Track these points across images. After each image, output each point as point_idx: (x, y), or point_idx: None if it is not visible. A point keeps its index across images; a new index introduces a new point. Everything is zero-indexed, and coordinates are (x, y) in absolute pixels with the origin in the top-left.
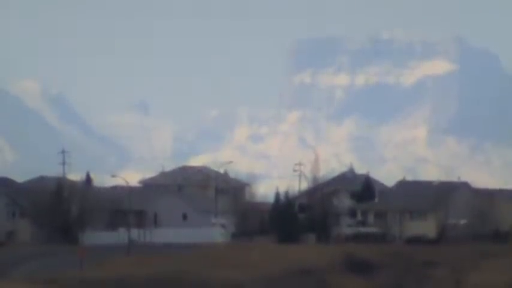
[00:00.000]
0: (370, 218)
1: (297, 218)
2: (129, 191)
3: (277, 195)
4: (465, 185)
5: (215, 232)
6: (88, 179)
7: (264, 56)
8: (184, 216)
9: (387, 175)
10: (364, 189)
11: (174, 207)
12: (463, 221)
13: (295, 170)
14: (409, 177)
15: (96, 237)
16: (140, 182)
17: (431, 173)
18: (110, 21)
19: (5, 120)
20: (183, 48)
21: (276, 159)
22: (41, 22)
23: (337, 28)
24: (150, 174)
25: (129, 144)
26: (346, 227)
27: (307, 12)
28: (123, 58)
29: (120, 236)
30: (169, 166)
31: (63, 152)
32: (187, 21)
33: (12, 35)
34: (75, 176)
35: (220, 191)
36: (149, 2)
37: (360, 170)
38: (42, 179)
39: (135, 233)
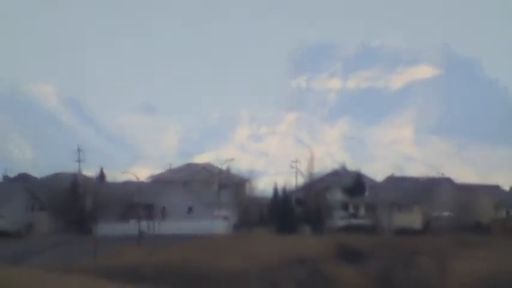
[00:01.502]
0: (361, 211)
1: (294, 211)
2: (139, 186)
3: (276, 190)
4: (448, 181)
5: (218, 224)
6: (101, 175)
7: (263, 62)
8: (190, 209)
9: (377, 171)
10: (355, 184)
11: (180, 201)
12: (446, 214)
13: (292, 167)
14: (397, 174)
15: (108, 228)
16: (149, 177)
17: (417, 170)
18: (118, 28)
19: (24, 121)
20: (189, 54)
21: (274, 157)
22: (56, 30)
23: (331, 37)
24: (158, 170)
25: (139, 143)
26: (338, 219)
27: (303, 22)
28: (132, 62)
29: (130, 227)
30: (176, 163)
31: (78, 150)
32: (193, 29)
33: (30, 42)
34: (90, 172)
35: (222, 186)
36: (155, 9)
37: (352, 167)
38: (59, 175)
39: (144, 224)
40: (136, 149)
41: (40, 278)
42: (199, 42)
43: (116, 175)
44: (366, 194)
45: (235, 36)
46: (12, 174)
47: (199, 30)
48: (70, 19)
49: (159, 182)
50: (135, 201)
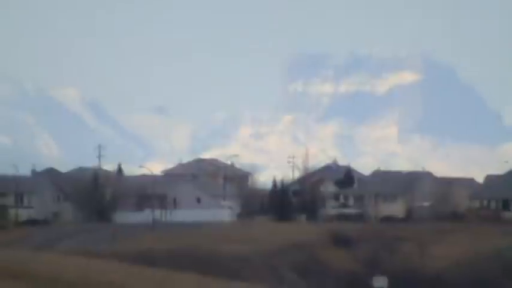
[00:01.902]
0: (351, 201)
1: (291, 201)
2: (153, 179)
3: (274, 182)
4: (428, 174)
5: (223, 213)
6: (119, 169)
7: (264, 68)
8: (198, 200)
9: (364, 166)
10: (345, 177)
11: (190, 192)
12: (426, 204)
13: (289, 162)
14: (383, 168)
15: (125, 217)
16: (162, 171)
17: (400, 165)
18: (135, 39)
19: (51, 121)
20: (198, 61)
21: (274, 153)
22: (79, 38)
23: (324, 47)
24: (170, 165)
25: (153, 141)
26: (331, 209)
27: (299, 33)
28: (147, 69)
29: (145, 216)
30: (186, 159)
31: (99, 147)
32: (202, 40)
33: (55, 50)
34: (109, 167)
35: (227, 179)
36: (168, 20)
37: (342, 162)
38: (81, 169)
39: (158, 213)
40: (151, 146)
41: (66, 262)
42: (207, 50)
43: (132, 169)
44: (355, 186)
45: (239, 45)
46: (39, 169)
47: (208, 40)
48: (92, 29)
49: (171, 176)
50: (150, 192)
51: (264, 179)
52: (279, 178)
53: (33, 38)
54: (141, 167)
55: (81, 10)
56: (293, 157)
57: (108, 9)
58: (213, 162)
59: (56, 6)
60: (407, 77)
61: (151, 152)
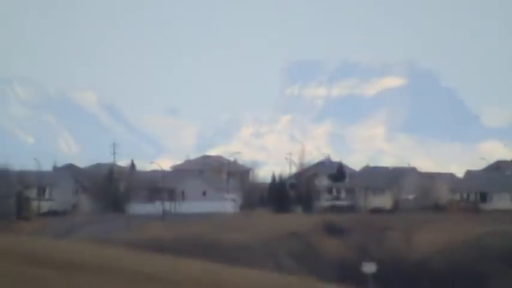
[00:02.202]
0: (343, 194)
1: (288, 194)
2: (163, 173)
3: (273, 177)
4: (413, 170)
5: (227, 205)
6: (132, 165)
7: (264, 74)
8: (204, 193)
9: (355, 162)
10: (337, 172)
11: (197, 186)
12: (411, 196)
13: (286, 159)
14: (372, 164)
15: (138, 208)
16: (171, 167)
17: (387, 161)
18: (147, 46)
19: (70, 122)
20: (203, 66)
21: (272, 151)
22: (95, 43)
23: (318, 54)
24: (178, 161)
25: (163, 139)
26: (324, 201)
27: (296, 43)
28: (158, 73)
29: (156, 207)
30: (193, 155)
31: (113, 145)
32: (207, 49)
33: (75, 56)
34: (123, 162)
35: (231, 174)
36: (178, 30)
37: (335, 158)
38: (98, 165)
39: (167, 205)
40: (161, 144)
41: (82, 249)
42: (213, 58)
43: (144, 165)
44: (346, 180)
45: (242, 53)
46: (60, 164)
47: (214, 48)
48: (109, 36)
49: (179, 171)
50: (160, 186)
51: (264, 174)
52: (277, 173)
53: (55, 46)
54: (151, 162)
55: (98, 20)
56: (290, 154)
57: (122, 19)
58: (217, 159)
59: (75, 17)
60: (394, 81)
61: (161, 149)
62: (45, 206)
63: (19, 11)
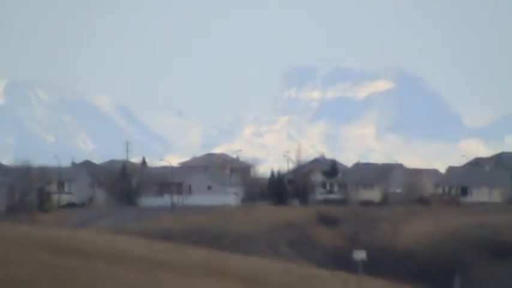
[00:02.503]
0: (336, 189)
1: (286, 188)
2: (171, 170)
3: (272, 173)
4: (400, 166)
5: (230, 198)
6: (143, 162)
7: (264, 78)
8: (209, 187)
9: (347, 159)
10: (331, 169)
11: (202, 181)
12: (398, 190)
13: (284, 156)
14: (362, 161)
15: (148, 201)
16: (179, 163)
17: (377, 158)
18: (155, 50)
19: (87, 122)
20: (209, 72)
21: (272, 149)
22: (109, 51)
23: (313, 60)
24: (186, 158)
25: (172, 138)
26: (319, 195)
27: (293, 50)
28: (167, 78)
29: (165, 200)
30: (199, 153)
31: (126, 143)
32: (213, 54)
33: (91, 63)
34: (135, 159)
35: (233, 170)
36: (188, 37)
37: (328, 156)
38: (112, 161)
39: (175, 198)
40: (170, 143)
41: (98, 238)
42: (217, 64)
43: (154, 162)
44: (339, 176)
45: (244, 59)
46: (78, 161)
47: (218, 55)
48: (122, 44)
49: (186, 167)
50: (169, 181)
51: (264, 170)
52: (276, 169)
53: (73, 54)
54: (161, 160)
55: (112, 30)
56: (288, 152)
57: (134, 30)
58: (221, 156)
59: (91, 29)
60: (383, 85)
61: (170, 147)
62: (65, 199)
63: (41, 23)
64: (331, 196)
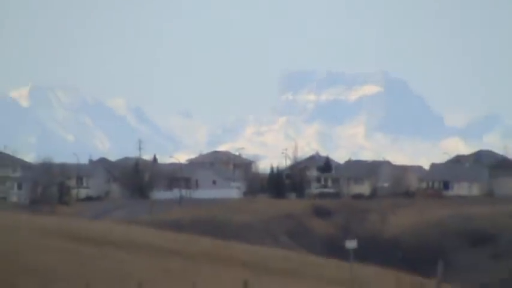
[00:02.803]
0: (329, 183)
1: (284, 183)
2: (180, 166)
3: (272, 169)
4: (388, 163)
5: (233, 191)
6: (155, 159)
7: (264, 82)
8: (214, 182)
9: (340, 156)
10: (325, 165)
11: (208, 176)
12: (386, 185)
13: (282, 153)
14: (353, 158)
15: (159, 194)
16: (187, 160)
17: (366, 155)
18: (166, 57)
19: (103, 123)
20: (214, 77)
21: (271, 147)
22: (123, 57)
23: (309, 66)
24: (193, 155)
25: (180, 137)
26: (314, 189)
27: (291, 56)
28: (176, 82)
29: (174, 194)
30: (205, 151)
31: (139, 142)
32: (218, 60)
33: (108, 69)
34: (147, 156)
35: (236, 166)
36: (195, 42)
37: (323, 153)
38: (126, 158)
39: (184, 192)
40: (178, 141)
41: (114, 228)
42: (222, 69)
43: (164, 159)
44: (332, 171)
45: (246, 65)
46: (95, 158)
47: (222, 61)
48: (136, 50)
49: (194, 163)
50: (177, 176)
51: (264, 166)
52: (275, 165)
53: (91, 60)
54: (171, 157)
55: (125, 39)
56: (286, 149)
57: (145, 38)
58: (225, 154)
59: (105, 35)
60: (372, 89)
61: (179, 145)
62: (83, 193)
63: (62, 33)
64: (325, 190)
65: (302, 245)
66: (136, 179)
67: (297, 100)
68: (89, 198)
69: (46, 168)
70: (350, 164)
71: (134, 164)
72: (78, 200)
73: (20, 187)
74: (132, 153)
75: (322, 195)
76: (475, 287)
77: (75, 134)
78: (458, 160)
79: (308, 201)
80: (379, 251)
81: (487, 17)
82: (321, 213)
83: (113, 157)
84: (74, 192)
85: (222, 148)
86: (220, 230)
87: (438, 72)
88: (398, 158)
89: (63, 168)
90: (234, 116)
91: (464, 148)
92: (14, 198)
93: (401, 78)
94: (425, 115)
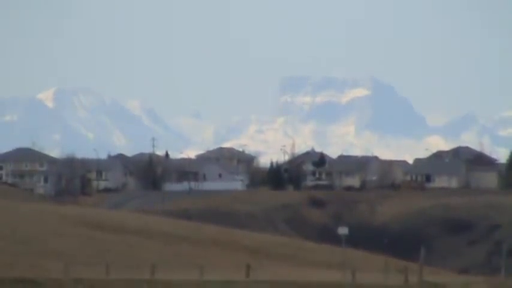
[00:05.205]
0: (323, 176)
1: (283, 176)
2: (189, 161)
3: (271, 163)
4: (376, 158)
5: (237, 184)
6: (167, 154)
7: (265, 85)
8: (220, 175)
9: (333, 152)
10: (319, 160)
11: (214, 170)
12: (374, 178)
13: (281, 149)
14: (345, 154)
15: (171, 186)
16: (196, 156)
17: (357, 151)
18: (176, 61)
19: (121, 122)
20: (220, 80)
21: (271, 143)
22: (139, 63)
23: (305, 71)
24: (201, 151)
25: (190, 135)
26: (309, 181)
27: (289, 62)
28: (186, 86)
29: (184, 186)
30: (212, 147)
31: (153, 139)
32: (222, 64)
33: (125, 72)
34: (160, 152)
35: (240, 161)
36: (199, 48)
37: (318, 149)
38: (141, 154)
39: (192, 184)
40: (188, 138)
41: (130, 217)
42: (226, 73)
43: (175, 154)
44: (326, 166)
45: (247, 70)
46: (113, 154)
47: (226, 66)
48: (149, 54)
49: (202, 159)
50: (187, 170)
51: (264, 161)
52: (274, 160)
53: (109, 66)
54: (181, 153)
55: (138, 42)
56: (284, 146)
57: (156, 43)
58: (230, 150)
59: (122, 42)
60: (361, 92)
61: (188, 142)
62: (102, 185)
63: (82, 42)
64: (319, 182)
65: (299, 232)
66: (150, 172)
67: (294, 102)
68: (107, 190)
69: (69, 163)
70: (342, 159)
71: (148, 159)
72: (98, 192)
73: (46, 180)
74: (146, 149)
75: (316, 187)
76: (455, 270)
77: (95, 132)
78: (439, 156)
79: (304, 192)
80: (368, 238)
81: (467, 28)
82: (316, 203)
83: (129, 153)
84: (94, 184)
85: (227, 145)
86: (226, 219)
87: (421, 77)
88: (385, 153)
89: (85, 162)
90: (238, 116)
91: (444, 145)
92: (41, 190)
93: (387, 82)
94: (409, 115)
